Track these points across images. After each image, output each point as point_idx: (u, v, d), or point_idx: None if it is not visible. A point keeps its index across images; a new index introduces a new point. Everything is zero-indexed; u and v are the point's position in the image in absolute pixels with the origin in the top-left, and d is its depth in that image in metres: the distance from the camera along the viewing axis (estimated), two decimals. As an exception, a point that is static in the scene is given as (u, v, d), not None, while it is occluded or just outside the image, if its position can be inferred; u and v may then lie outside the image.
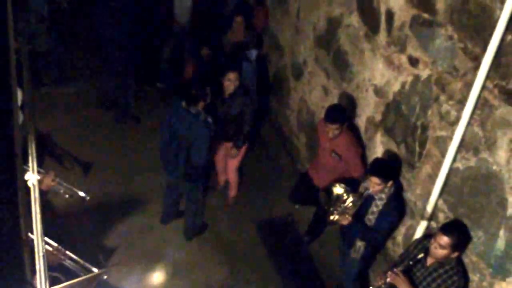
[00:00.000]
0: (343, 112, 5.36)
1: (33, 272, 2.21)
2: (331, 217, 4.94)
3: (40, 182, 4.02)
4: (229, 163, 6.60)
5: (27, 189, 2.25)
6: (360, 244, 5.03)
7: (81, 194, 4.71)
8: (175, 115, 5.50)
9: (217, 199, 6.90)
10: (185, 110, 5.42)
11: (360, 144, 5.51)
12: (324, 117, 5.32)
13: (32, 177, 2.34)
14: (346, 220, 4.82)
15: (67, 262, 4.29)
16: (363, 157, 5.50)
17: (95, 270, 4.29)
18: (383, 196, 4.76)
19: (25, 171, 2.39)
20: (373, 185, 4.68)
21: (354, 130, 5.60)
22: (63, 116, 7.70)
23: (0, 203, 1.72)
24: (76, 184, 4.90)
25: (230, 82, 5.89)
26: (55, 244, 4.22)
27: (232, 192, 6.86)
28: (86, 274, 4.17)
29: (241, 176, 6.85)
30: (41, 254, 2.22)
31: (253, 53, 7.30)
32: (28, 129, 2.58)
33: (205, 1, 7.98)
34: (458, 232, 4.08)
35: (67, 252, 4.29)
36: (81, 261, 4.34)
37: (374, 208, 4.80)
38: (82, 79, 8.44)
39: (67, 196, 4.60)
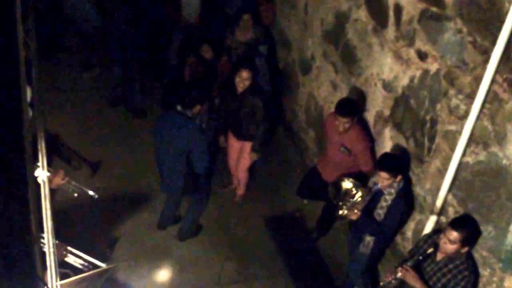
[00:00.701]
0: (354, 106, 5.35)
1: (44, 268, 2.22)
2: (340, 212, 4.93)
3: (49, 181, 4.05)
4: (240, 162, 6.55)
5: (37, 186, 2.27)
6: (369, 239, 5.02)
7: (90, 192, 4.71)
8: (168, 121, 5.37)
9: (226, 194, 6.90)
10: (179, 114, 5.30)
11: (369, 138, 5.49)
12: (335, 110, 5.30)
13: (42, 174, 2.35)
14: (355, 215, 4.81)
15: (72, 259, 4.30)
16: (373, 151, 5.48)
17: (100, 264, 4.31)
18: (392, 191, 4.75)
19: (35, 168, 2.40)
20: (382, 180, 4.67)
21: (363, 124, 5.59)
22: (71, 112, 7.72)
23: (10, 200, 1.73)
24: (84, 182, 4.92)
25: (241, 80, 5.80)
26: (56, 241, 4.22)
27: (240, 190, 6.84)
28: (91, 269, 4.19)
29: (250, 173, 6.85)
30: (51, 250, 2.24)
31: (264, 48, 7.28)
32: (37, 126, 2.59)
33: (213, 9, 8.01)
34: (468, 227, 4.07)
35: (69, 248, 4.31)
36: (85, 256, 4.36)
37: (383, 203, 4.79)
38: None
39: (75, 195, 4.62)
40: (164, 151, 5.47)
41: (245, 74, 5.79)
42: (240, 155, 6.49)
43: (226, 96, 6.11)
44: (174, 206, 6.23)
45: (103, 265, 4.31)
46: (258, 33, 7.19)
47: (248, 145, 6.30)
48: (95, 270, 3.96)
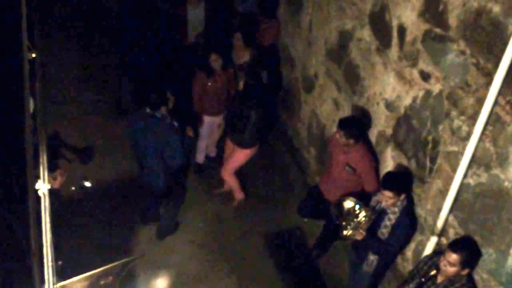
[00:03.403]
0: (356, 123, 5.35)
1: (42, 281, 2.20)
2: (345, 232, 4.91)
3: (54, 181, 4.05)
4: (226, 162, 6.73)
5: (38, 199, 2.26)
6: (372, 258, 5.00)
7: (86, 184, 4.73)
8: (142, 122, 5.59)
9: (225, 210, 6.89)
10: (149, 116, 5.52)
11: (374, 158, 5.48)
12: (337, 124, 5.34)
13: (43, 187, 2.34)
14: (360, 235, 4.79)
15: None
16: (377, 171, 5.47)
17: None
18: (396, 209, 4.74)
19: (36, 180, 2.39)
20: (386, 198, 4.66)
21: (369, 144, 5.58)
22: (73, 124, 7.76)
23: (10, 213, 1.73)
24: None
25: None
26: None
27: (235, 195, 6.95)
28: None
29: (251, 189, 6.86)
30: (50, 263, 2.22)
31: (264, 76, 7.24)
32: (39, 138, 2.59)
33: (218, 21, 8.09)
34: (467, 249, 4.04)
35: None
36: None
37: (387, 222, 4.78)
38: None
39: (73, 188, 4.62)
40: (143, 150, 5.68)
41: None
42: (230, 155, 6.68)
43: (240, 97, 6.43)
44: (155, 202, 6.36)
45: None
46: (250, 55, 7.14)
47: (237, 150, 6.51)
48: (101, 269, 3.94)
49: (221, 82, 6.71)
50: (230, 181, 6.82)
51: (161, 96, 5.51)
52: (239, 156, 6.56)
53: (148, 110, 5.51)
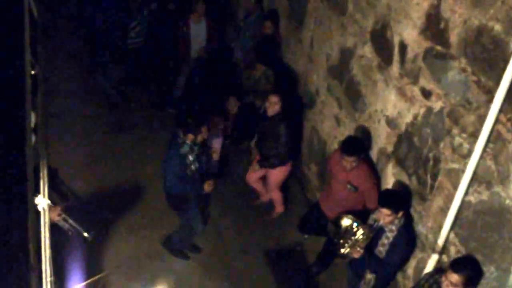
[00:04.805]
0: (360, 144, 5.34)
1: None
2: (342, 250, 4.87)
3: None
4: (267, 184, 6.81)
5: (37, 213, 2.25)
6: (370, 277, 4.96)
7: (85, 234, 4.68)
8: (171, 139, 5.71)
9: (227, 227, 6.87)
10: (175, 136, 5.60)
11: (376, 176, 5.47)
12: (341, 149, 5.28)
13: (42, 202, 2.34)
14: (357, 253, 4.76)
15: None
16: (379, 188, 5.45)
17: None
18: (393, 227, 4.71)
19: (36, 195, 2.39)
20: (384, 216, 4.64)
21: (370, 161, 5.57)
22: (74, 139, 7.77)
23: (10, 227, 1.72)
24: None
25: (270, 104, 6.16)
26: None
27: (278, 208, 7.01)
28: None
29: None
30: (48, 279, 2.21)
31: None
32: (40, 153, 2.59)
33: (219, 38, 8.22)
34: (469, 269, 4.01)
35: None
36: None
37: (384, 240, 4.75)
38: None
39: (70, 233, 4.58)
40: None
41: (274, 98, 6.13)
42: (266, 176, 6.77)
43: (264, 120, 6.47)
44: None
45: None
46: (265, 73, 7.30)
47: (271, 171, 6.59)
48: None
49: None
50: (275, 195, 6.91)
51: (195, 126, 5.48)
52: (277, 175, 6.63)
53: (179, 131, 5.56)
